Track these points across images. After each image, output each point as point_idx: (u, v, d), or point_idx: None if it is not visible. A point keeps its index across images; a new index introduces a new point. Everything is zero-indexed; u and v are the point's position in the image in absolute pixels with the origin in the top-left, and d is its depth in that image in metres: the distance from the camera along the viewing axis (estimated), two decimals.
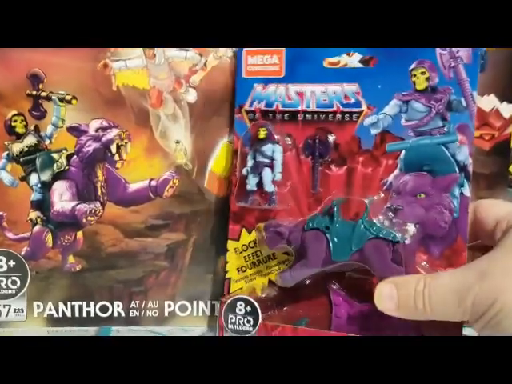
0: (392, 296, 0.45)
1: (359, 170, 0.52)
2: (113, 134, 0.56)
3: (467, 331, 0.46)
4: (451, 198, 0.49)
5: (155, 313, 0.60)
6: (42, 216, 0.58)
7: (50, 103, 0.56)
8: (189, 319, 0.60)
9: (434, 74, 0.49)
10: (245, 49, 0.53)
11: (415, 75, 0.49)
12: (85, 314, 0.60)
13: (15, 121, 0.56)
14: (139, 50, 0.56)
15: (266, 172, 0.52)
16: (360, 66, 0.52)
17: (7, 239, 0.58)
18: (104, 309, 0.60)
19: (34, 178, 0.58)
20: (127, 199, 0.58)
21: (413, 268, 0.48)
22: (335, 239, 0.48)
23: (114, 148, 0.57)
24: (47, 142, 0.57)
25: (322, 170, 0.52)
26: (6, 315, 0.59)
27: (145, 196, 0.58)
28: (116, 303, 0.60)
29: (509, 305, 0.40)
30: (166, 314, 0.60)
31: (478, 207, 0.49)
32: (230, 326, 0.50)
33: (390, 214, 0.50)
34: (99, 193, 0.58)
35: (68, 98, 0.56)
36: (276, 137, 0.53)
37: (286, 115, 0.53)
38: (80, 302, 0.59)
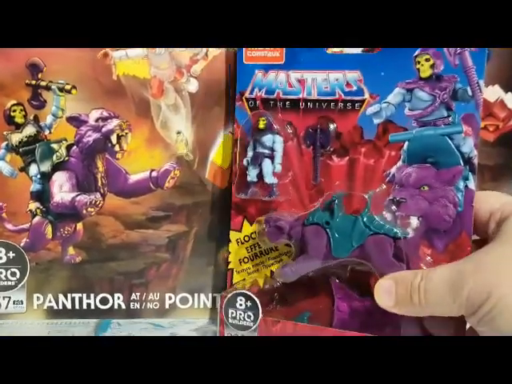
0: (391, 292, 0.44)
1: (361, 161, 0.51)
2: (113, 124, 0.56)
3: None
4: (455, 191, 0.48)
5: (156, 305, 0.60)
6: (41, 207, 0.58)
7: (50, 93, 0.56)
8: (190, 311, 0.60)
9: (439, 61, 0.48)
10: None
11: (419, 62, 0.48)
12: (85, 306, 0.59)
13: (14, 110, 0.56)
14: None
15: (266, 163, 0.52)
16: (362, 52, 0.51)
17: (6, 230, 0.58)
18: (104, 301, 0.60)
19: (33, 169, 0.57)
20: (128, 190, 0.58)
21: (416, 264, 0.48)
22: (336, 235, 0.48)
23: (114, 138, 0.56)
24: (47, 132, 0.57)
25: (323, 160, 0.51)
26: (6, 307, 0.59)
27: (145, 187, 0.58)
28: (116, 295, 0.60)
29: (503, 300, 0.39)
30: (167, 307, 0.60)
31: None
32: (230, 321, 0.50)
33: (393, 206, 0.49)
34: (99, 184, 0.58)
35: (68, 87, 0.55)
36: (276, 127, 0.52)
37: (287, 103, 0.52)
38: (80, 294, 0.59)
